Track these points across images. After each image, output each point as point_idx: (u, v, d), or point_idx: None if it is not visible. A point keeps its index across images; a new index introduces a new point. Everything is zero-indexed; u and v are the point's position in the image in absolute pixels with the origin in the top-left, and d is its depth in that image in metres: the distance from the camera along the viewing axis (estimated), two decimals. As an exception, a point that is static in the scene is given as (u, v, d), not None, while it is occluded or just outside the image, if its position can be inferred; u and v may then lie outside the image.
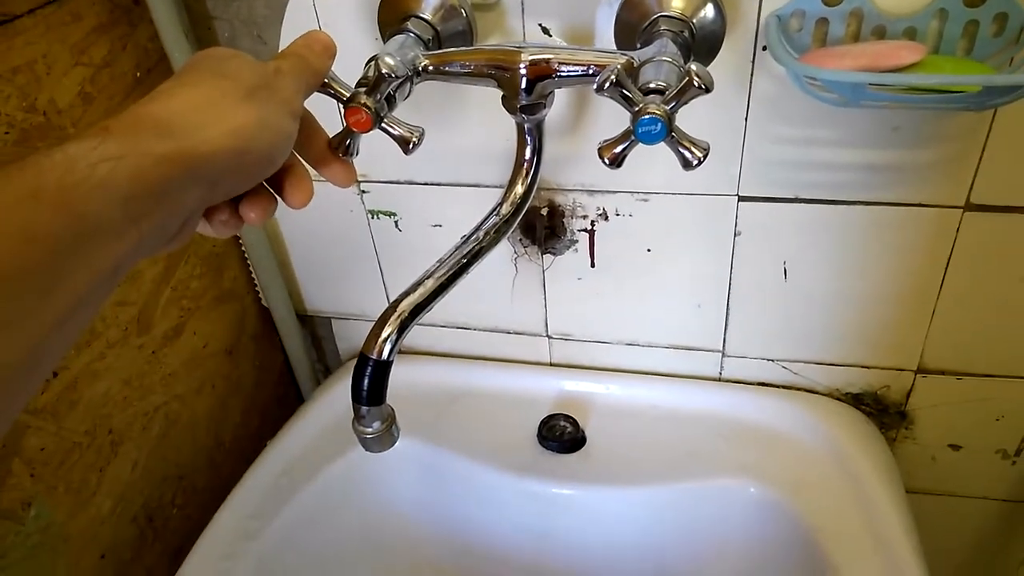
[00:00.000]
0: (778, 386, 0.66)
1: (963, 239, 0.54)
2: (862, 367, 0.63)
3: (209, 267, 0.66)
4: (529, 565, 0.66)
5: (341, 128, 0.39)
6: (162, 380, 0.62)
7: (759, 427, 0.63)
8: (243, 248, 0.69)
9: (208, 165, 0.27)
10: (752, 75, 0.50)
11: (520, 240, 0.63)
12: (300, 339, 0.75)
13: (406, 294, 0.43)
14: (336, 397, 0.70)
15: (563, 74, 0.41)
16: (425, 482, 0.66)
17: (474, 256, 0.45)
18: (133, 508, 0.60)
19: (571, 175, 0.58)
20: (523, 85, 0.42)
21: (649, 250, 0.60)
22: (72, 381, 0.53)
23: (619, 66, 0.37)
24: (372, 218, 0.65)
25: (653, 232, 0.59)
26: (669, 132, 0.36)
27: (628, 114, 0.37)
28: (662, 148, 0.37)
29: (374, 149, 0.43)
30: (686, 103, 0.36)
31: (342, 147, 0.38)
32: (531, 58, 0.41)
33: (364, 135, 0.39)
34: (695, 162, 0.37)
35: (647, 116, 0.36)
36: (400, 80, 0.40)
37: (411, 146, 0.41)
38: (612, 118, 0.53)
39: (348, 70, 0.41)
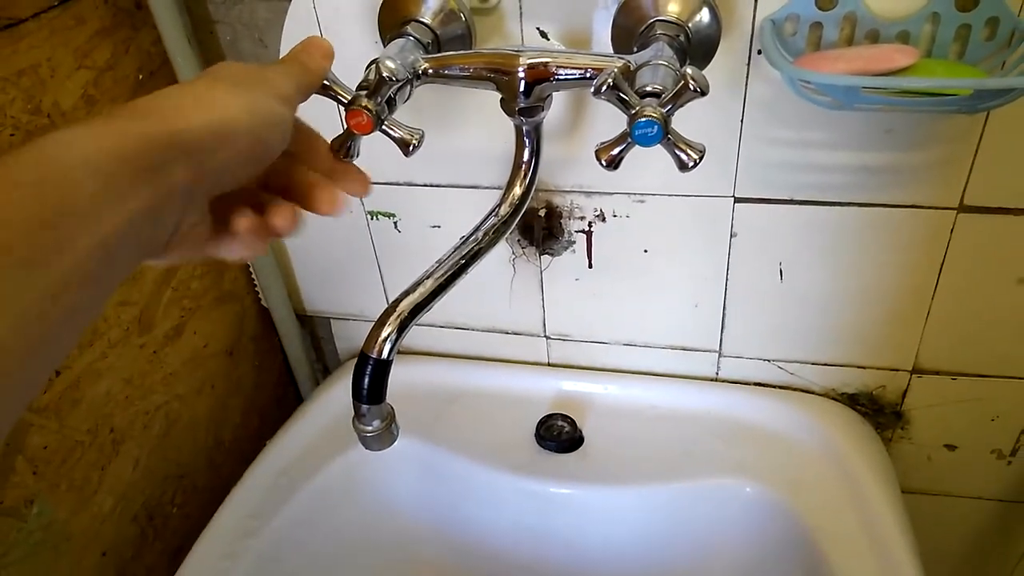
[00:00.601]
0: (774, 386, 0.66)
1: (957, 240, 0.54)
2: (858, 367, 0.63)
3: (209, 268, 0.67)
4: (527, 564, 0.66)
5: (342, 131, 0.39)
6: (163, 380, 0.63)
7: (756, 427, 0.64)
8: (244, 249, 0.70)
9: (190, 141, 0.27)
10: (747, 78, 0.50)
11: (518, 241, 0.63)
12: (300, 339, 0.76)
13: (406, 294, 0.44)
14: (335, 397, 0.70)
15: (561, 77, 0.42)
16: (423, 481, 0.66)
17: (473, 257, 0.45)
18: (134, 507, 0.61)
19: (569, 177, 0.59)
20: (521, 88, 0.42)
21: (646, 251, 0.61)
22: (75, 380, 0.53)
23: (616, 69, 0.37)
24: (372, 219, 0.65)
25: (650, 233, 0.60)
26: (665, 134, 0.37)
27: (625, 117, 0.37)
28: (658, 150, 0.38)
29: (374, 151, 0.43)
30: (682, 106, 0.36)
31: (343, 149, 0.39)
32: (529, 62, 0.42)
33: (364, 137, 0.40)
34: (691, 164, 0.37)
35: (643, 119, 0.36)
36: (400, 83, 0.41)
37: (411, 148, 0.42)
38: (609, 121, 0.54)
39: (349, 73, 0.41)
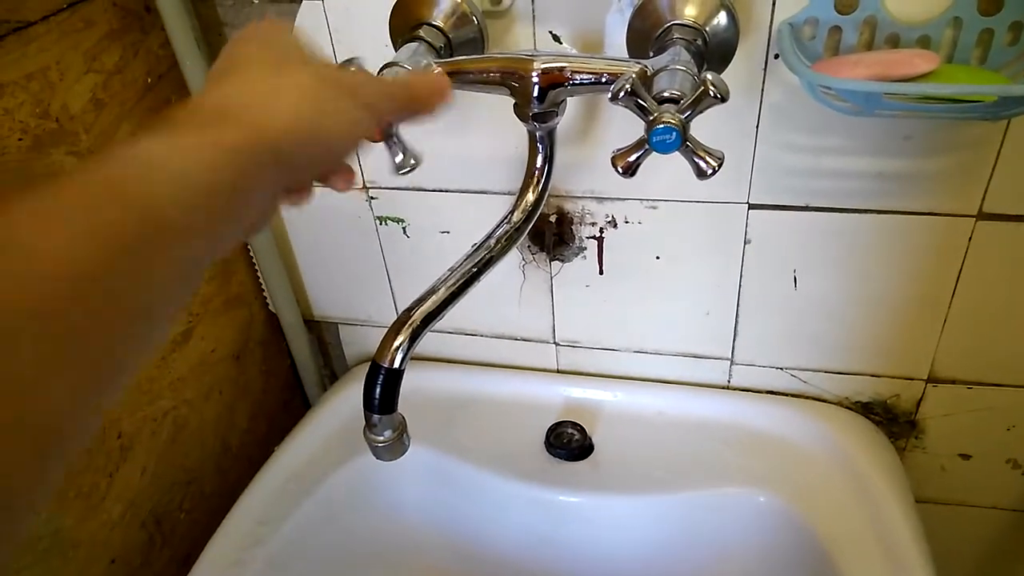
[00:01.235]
0: (787, 394, 0.66)
1: (975, 248, 0.53)
2: (872, 376, 0.62)
3: (217, 272, 0.66)
4: (536, 573, 0.65)
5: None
6: (170, 385, 0.62)
7: (768, 435, 0.63)
8: (251, 253, 0.69)
9: (279, 150, 0.26)
10: (764, 83, 0.49)
11: (528, 247, 0.63)
12: (307, 344, 0.75)
13: (418, 302, 0.43)
14: (343, 403, 0.69)
15: (576, 82, 0.41)
16: (432, 488, 0.66)
17: (485, 264, 0.45)
18: (142, 513, 0.60)
19: (580, 182, 0.58)
20: (535, 93, 0.42)
21: (658, 257, 0.60)
22: (82, 386, 0.53)
23: (633, 75, 0.37)
24: (380, 224, 0.65)
25: (662, 239, 0.59)
26: (684, 141, 0.36)
27: (638, 121, 0.37)
28: (672, 155, 0.37)
29: (383, 155, 0.42)
30: (701, 112, 0.36)
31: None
32: (544, 66, 0.41)
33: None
34: (710, 171, 0.37)
35: (662, 125, 0.35)
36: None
37: (400, 172, 0.41)
38: (622, 126, 0.53)
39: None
